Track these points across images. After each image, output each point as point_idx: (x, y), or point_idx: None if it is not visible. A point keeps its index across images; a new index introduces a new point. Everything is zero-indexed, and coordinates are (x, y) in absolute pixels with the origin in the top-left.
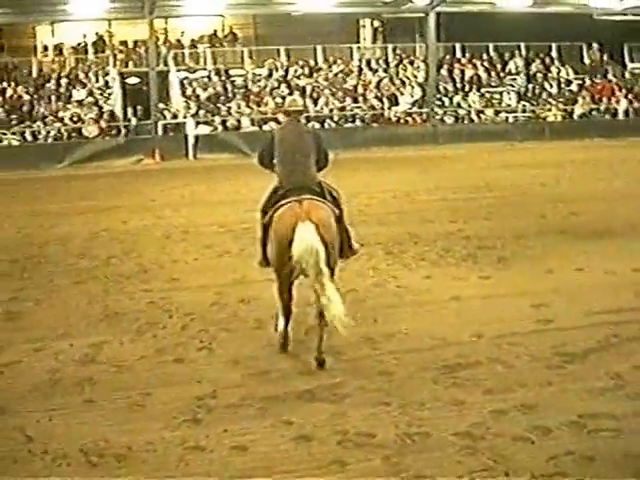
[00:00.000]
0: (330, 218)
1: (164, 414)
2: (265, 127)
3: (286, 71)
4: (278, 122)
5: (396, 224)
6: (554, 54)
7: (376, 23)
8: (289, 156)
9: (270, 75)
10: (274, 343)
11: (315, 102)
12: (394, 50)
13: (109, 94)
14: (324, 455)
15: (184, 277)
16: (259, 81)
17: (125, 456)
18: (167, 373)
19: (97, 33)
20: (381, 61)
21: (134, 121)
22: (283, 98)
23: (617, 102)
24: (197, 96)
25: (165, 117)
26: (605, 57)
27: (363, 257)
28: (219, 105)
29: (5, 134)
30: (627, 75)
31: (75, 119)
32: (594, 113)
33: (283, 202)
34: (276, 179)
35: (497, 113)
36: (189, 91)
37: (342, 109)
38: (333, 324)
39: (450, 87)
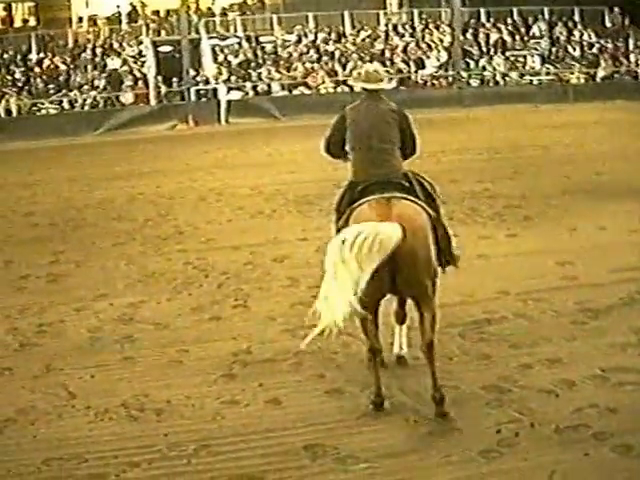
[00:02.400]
0: (426, 225)
1: (201, 370)
2: (295, 92)
3: (315, 36)
4: (309, 87)
5: None
6: (576, 18)
7: None
8: (367, 142)
9: (299, 41)
10: (306, 300)
11: (344, 67)
12: (420, 15)
13: (143, 62)
14: (356, 408)
15: (218, 238)
16: (288, 47)
17: (164, 410)
18: (203, 330)
19: (130, 3)
20: (407, 26)
21: (168, 88)
22: (312, 63)
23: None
24: (228, 62)
25: (198, 83)
26: (626, 21)
27: None
28: (250, 71)
29: (43, 104)
30: None
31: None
32: (616, 75)
33: (363, 201)
34: (350, 171)
35: (521, 76)
36: (220, 58)
37: None
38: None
39: (475, 51)
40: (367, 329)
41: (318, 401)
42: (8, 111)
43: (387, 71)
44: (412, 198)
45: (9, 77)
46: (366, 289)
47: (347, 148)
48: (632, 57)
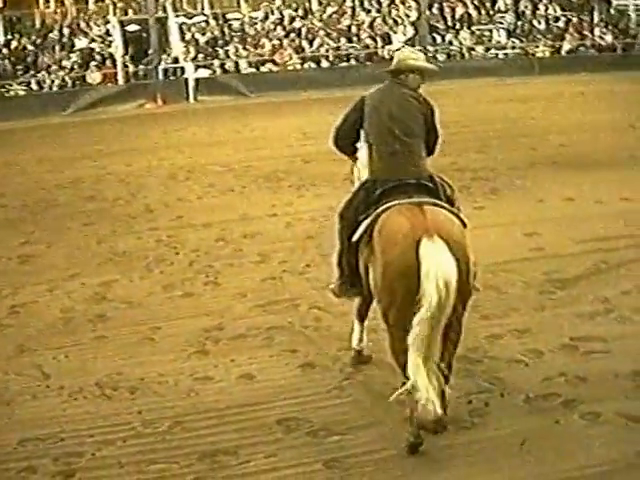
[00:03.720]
0: (464, 235)
1: (174, 347)
2: (262, 69)
3: (281, 14)
4: (276, 64)
5: None
6: None
7: None
8: (390, 135)
9: (266, 18)
10: (276, 275)
11: (310, 43)
12: None
13: (110, 42)
14: (328, 381)
15: (189, 215)
16: (255, 24)
17: (138, 388)
18: (175, 307)
19: None
20: (374, 2)
21: (135, 67)
22: (280, 40)
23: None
24: (196, 40)
25: (165, 62)
26: None
27: None
28: (217, 49)
29: (11, 85)
30: (612, 11)
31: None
32: (581, 49)
33: (389, 205)
34: (364, 169)
35: (487, 50)
36: (188, 36)
37: (337, 49)
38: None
39: (441, 25)
40: (401, 353)
41: (290, 375)
42: None
43: (353, 46)
44: (443, 204)
45: None
46: (401, 310)
47: (362, 142)
48: (597, 30)
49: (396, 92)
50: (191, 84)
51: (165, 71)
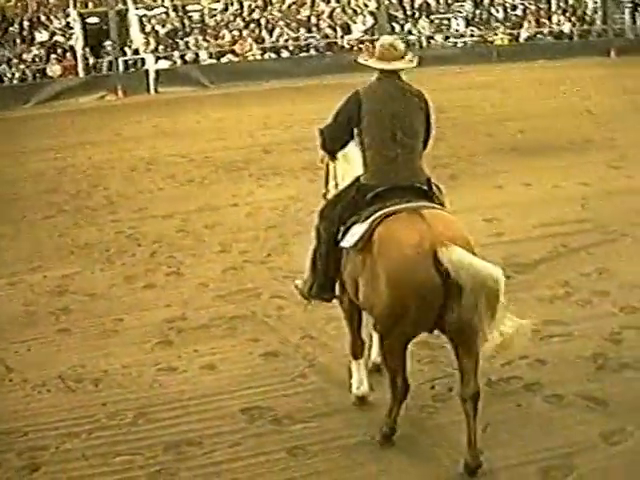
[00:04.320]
0: (468, 238)
1: (137, 338)
2: (223, 59)
3: (241, 4)
4: (236, 54)
5: None
6: None
7: None
8: (390, 136)
9: (226, 9)
10: (238, 265)
11: (270, 34)
12: None
13: (70, 35)
14: (290, 370)
15: (150, 206)
16: (215, 15)
17: (101, 380)
18: (138, 299)
19: None
20: None
21: (96, 59)
22: (240, 31)
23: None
24: (156, 32)
25: (126, 54)
26: None
27: (321, 179)
28: (177, 40)
29: None
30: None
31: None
32: (539, 36)
33: (385, 211)
34: (356, 170)
35: (446, 38)
36: (148, 28)
37: (297, 39)
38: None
39: (400, 15)
40: (399, 368)
41: (253, 364)
42: None
43: (313, 36)
44: (442, 208)
45: None
46: (408, 325)
47: (356, 143)
48: (554, 18)
49: (395, 87)
50: (151, 75)
51: (125, 63)
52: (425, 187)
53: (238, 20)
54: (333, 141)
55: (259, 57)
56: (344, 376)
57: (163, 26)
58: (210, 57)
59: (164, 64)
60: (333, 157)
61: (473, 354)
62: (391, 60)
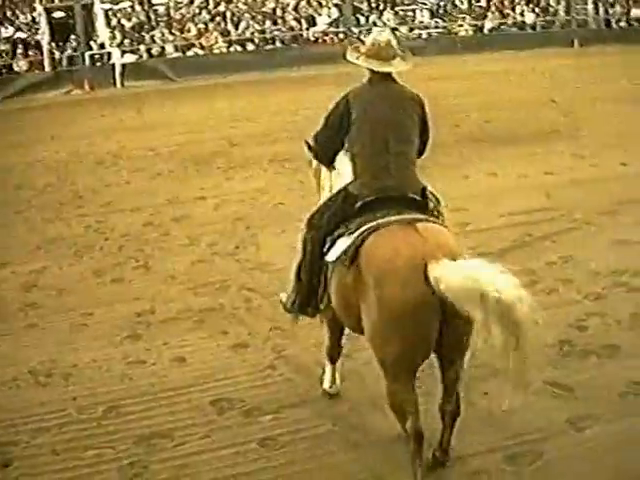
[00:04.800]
0: (463, 255)
1: (106, 332)
2: (189, 53)
3: None
4: (202, 47)
5: None
6: None
7: None
8: (382, 144)
9: (191, 2)
10: (206, 258)
11: (236, 27)
12: None
13: (36, 29)
14: (260, 361)
15: (117, 200)
16: (181, 8)
17: (72, 374)
18: (106, 293)
19: None
20: None
21: (62, 54)
22: (205, 24)
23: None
24: (122, 26)
25: (92, 48)
26: None
27: (289, 171)
28: (143, 34)
29: None
30: None
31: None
32: (503, 27)
33: (376, 223)
34: (345, 177)
35: (411, 30)
36: (114, 22)
37: (262, 32)
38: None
39: (365, 7)
40: (407, 403)
41: (222, 356)
42: None
43: (278, 29)
44: (437, 221)
45: None
46: (413, 352)
47: (345, 151)
48: (518, 9)
49: (389, 90)
50: (118, 69)
51: (92, 57)
52: (419, 197)
53: (204, 13)
54: (326, 150)
55: (225, 50)
56: (313, 367)
57: (129, 20)
58: (176, 50)
59: (130, 58)
60: (329, 166)
61: (459, 370)
62: (385, 60)
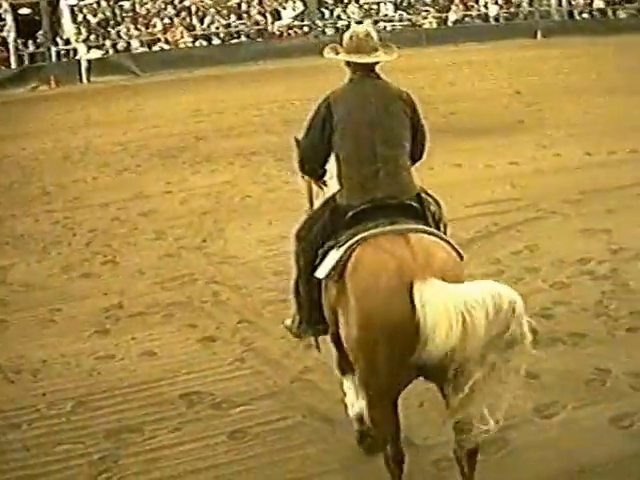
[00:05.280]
0: (460, 268)
1: (75, 327)
2: (154, 47)
3: None
4: (168, 42)
5: (284, 132)
6: None
7: None
8: (368, 148)
9: None
10: (173, 252)
11: (201, 21)
12: None
13: (2, 26)
14: (228, 354)
15: (85, 196)
16: (146, 4)
17: (40, 370)
18: (75, 288)
19: None
20: None
21: (28, 50)
22: (171, 19)
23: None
24: (87, 22)
25: (58, 44)
26: None
27: (255, 164)
28: (109, 29)
29: None
30: None
31: None
32: (467, 19)
33: (365, 234)
34: (332, 186)
35: (375, 23)
36: (79, 18)
37: (227, 26)
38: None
39: (330, 0)
40: (385, 428)
41: (191, 350)
42: None
43: (243, 23)
44: (433, 230)
45: None
46: (382, 372)
47: (331, 160)
48: (482, 1)
49: (374, 89)
50: (84, 65)
51: (58, 53)
52: (415, 204)
53: (169, 8)
54: (310, 161)
55: (190, 45)
56: (281, 359)
57: (94, 15)
58: (142, 46)
59: (96, 53)
60: (319, 179)
61: (467, 401)
62: (367, 52)
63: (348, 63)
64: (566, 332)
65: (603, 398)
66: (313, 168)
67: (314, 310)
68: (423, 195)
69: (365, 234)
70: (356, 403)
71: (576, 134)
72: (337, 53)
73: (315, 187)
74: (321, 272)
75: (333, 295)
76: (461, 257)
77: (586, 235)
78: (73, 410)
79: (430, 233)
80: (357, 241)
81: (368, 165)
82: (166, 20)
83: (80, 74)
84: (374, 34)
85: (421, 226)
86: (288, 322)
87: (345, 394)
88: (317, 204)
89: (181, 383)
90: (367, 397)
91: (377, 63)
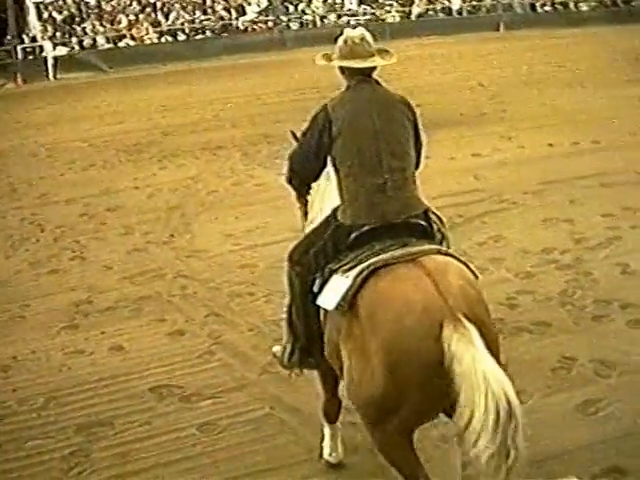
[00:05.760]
0: (478, 292)
1: (44, 323)
2: (120, 44)
3: None
4: (133, 38)
5: (250, 126)
6: None
7: None
8: (376, 162)
9: None
10: (141, 247)
11: (166, 17)
12: None
13: None
14: (197, 347)
15: (52, 192)
16: (111, 0)
17: (11, 366)
18: (43, 284)
19: None
20: None
21: None
22: (136, 15)
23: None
24: (53, 19)
25: (24, 41)
26: None
27: (222, 159)
28: (75, 26)
29: None
30: None
31: None
32: (430, 13)
33: (376, 260)
34: (331, 202)
35: (339, 17)
36: (45, 15)
37: (192, 22)
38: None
39: None
40: (408, 463)
41: (160, 344)
42: None
43: (208, 18)
44: (447, 250)
45: None
46: (408, 416)
47: (329, 172)
48: None
49: (375, 96)
50: (50, 62)
51: (24, 50)
52: (423, 222)
53: (134, 4)
54: (301, 175)
55: (156, 40)
56: (250, 351)
57: (60, 13)
58: (107, 42)
59: (62, 50)
60: (302, 195)
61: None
62: (364, 58)
63: (342, 70)
64: (531, 321)
65: (569, 386)
66: (303, 182)
67: (311, 342)
68: (429, 213)
69: (375, 259)
70: (334, 453)
71: (539, 126)
72: (330, 60)
73: (311, 201)
74: (327, 302)
75: (341, 328)
76: (476, 276)
77: (549, 225)
78: (44, 406)
79: (444, 253)
80: (368, 267)
81: (374, 177)
82: (131, 16)
83: (47, 71)
84: (369, 38)
85: (434, 246)
86: (278, 351)
87: (323, 440)
88: (310, 222)
89: (150, 377)
90: (379, 438)
91: (374, 68)
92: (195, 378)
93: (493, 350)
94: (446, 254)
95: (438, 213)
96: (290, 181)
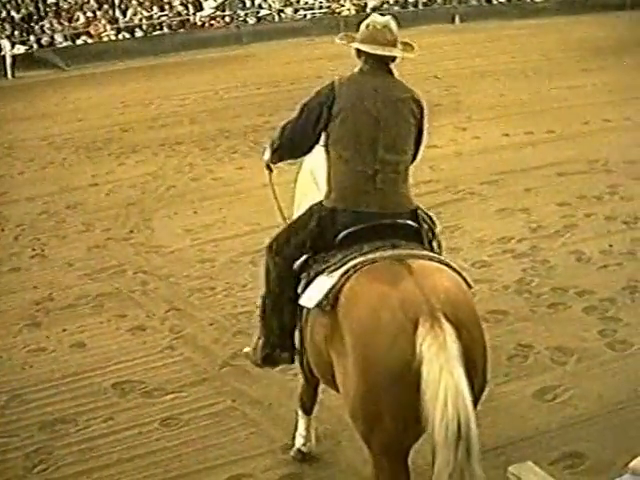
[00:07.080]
0: (467, 296)
1: (5, 322)
2: (78, 41)
3: None
4: (91, 36)
5: (208, 121)
6: None
7: None
8: (369, 149)
9: None
10: (101, 244)
11: (124, 14)
12: None
13: None
14: (158, 343)
15: (11, 191)
16: None
17: None
18: (4, 283)
19: None
20: None
21: None
22: (94, 12)
23: None
24: (11, 18)
25: None
26: None
27: (180, 154)
28: (33, 24)
29: None
30: None
31: None
32: (385, 5)
33: (361, 260)
34: (318, 191)
35: (296, 11)
36: (3, 14)
37: (150, 18)
38: None
39: None
40: None
41: (121, 340)
42: None
43: (165, 14)
44: (438, 257)
45: None
46: (396, 434)
47: (324, 150)
48: None
49: (385, 85)
50: (8, 61)
51: None
52: (413, 223)
53: (92, 2)
54: (292, 148)
55: (114, 37)
56: (211, 345)
57: (18, 11)
58: (65, 40)
59: (20, 49)
60: (269, 167)
61: None
62: (383, 45)
63: (359, 53)
64: (488, 310)
65: (526, 373)
66: (288, 154)
67: (284, 337)
68: (419, 211)
69: (362, 259)
70: (308, 443)
71: (494, 116)
72: (350, 41)
73: (299, 191)
74: (309, 300)
75: (322, 327)
76: (468, 284)
77: (505, 214)
78: (6, 404)
79: (433, 259)
80: (353, 267)
81: (365, 165)
82: (89, 14)
83: (5, 70)
84: (394, 27)
85: (425, 252)
86: (249, 349)
87: (297, 429)
88: (296, 209)
89: (112, 373)
90: (373, 458)
91: (393, 59)
92: (157, 373)
93: (476, 359)
94: (435, 260)
95: (429, 213)
96: (275, 152)
